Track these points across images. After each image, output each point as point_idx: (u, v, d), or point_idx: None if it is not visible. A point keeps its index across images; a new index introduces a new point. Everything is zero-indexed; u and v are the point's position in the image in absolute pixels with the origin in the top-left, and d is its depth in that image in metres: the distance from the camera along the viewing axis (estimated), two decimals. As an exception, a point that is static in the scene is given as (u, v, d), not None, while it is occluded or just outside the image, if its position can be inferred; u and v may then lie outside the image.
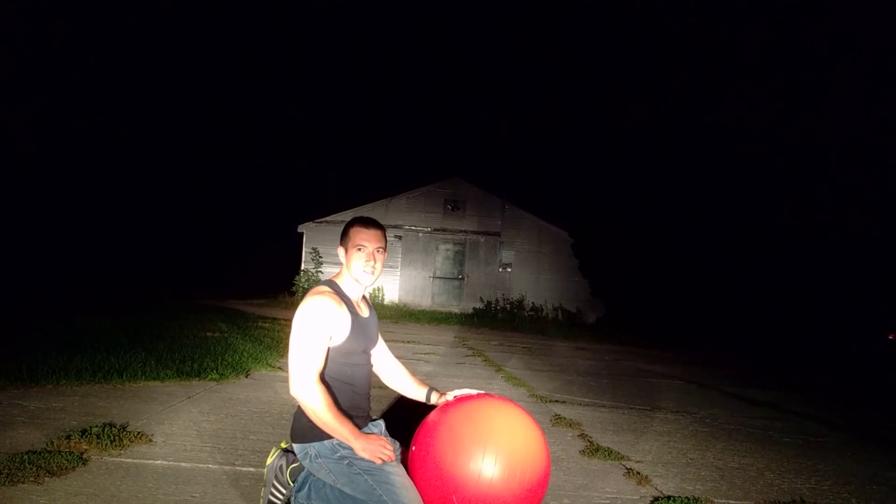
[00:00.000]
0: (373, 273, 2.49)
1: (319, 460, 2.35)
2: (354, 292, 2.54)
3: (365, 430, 2.42)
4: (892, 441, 5.63)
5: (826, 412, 6.82)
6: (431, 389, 2.69)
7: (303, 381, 2.29)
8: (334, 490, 2.36)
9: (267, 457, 2.60)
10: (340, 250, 2.54)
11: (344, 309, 2.42)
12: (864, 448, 5.13)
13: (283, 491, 2.45)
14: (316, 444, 2.35)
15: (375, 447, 2.30)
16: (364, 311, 2.58)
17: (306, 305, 2.39)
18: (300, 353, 2.32)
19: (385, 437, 2.48)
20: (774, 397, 7.57)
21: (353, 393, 2.45)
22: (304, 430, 2.38)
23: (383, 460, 2.29)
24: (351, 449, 2.32)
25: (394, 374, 2.76)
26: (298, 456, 2.42)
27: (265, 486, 2.49)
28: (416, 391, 2.72)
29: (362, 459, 2.30)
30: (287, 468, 2.47)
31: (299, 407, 2.40)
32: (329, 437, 2.34)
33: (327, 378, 2.39)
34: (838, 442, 5.27)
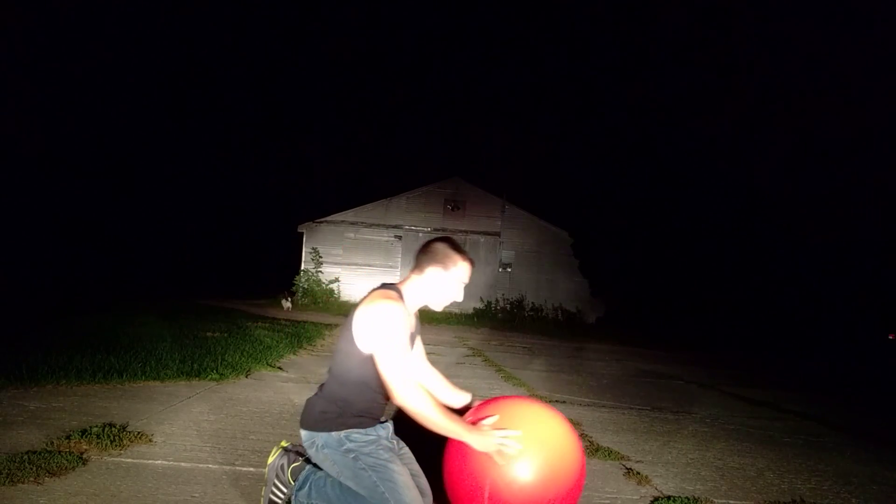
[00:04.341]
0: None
1: (326, 451, 2.33)
2: (414, 305, 2.48)
3: (371, 430, 2.39)
4: (892, 441, 5.63)
5: (826, 412, 6.82)
6: (475, 398, 2.64)
7: (408, 387, 2.23)
8: (335, 488, 2.36)
9: (267, 457, 2.59)
10: (437, 268, 2.41)
11: (408, 320, 2.39)
12: (864, 448, 5.13)
13: (284, 490, 2.44)
14: (323, 435, 2.33)
15: (494, 440, 2.20)
16: (414, 323, 2.56)
17: (389, 310, 2.29)
18: (399, 360, 2.25)
19: (394, 439, 2.48)
20: (774, 397, 7.57)
21: (374, 397, 2.40)
22: (316, 419, 2.36)
23: (503, 453, 2.19)
24: (358, 444, 2.30)
25: (431, 381, 2.70)
26: (304, 444, 2.40)
27: (266, 485, 2.48)
28: (455, 398, 2.65)
29: (368, 455, 2.29)
30: (288, 467, 2.46)
31: (315, 395, 2.40)
32: (338, 429, 2.32)
33: (358, 380, 2.35)
34: (838, 442, 5.26)
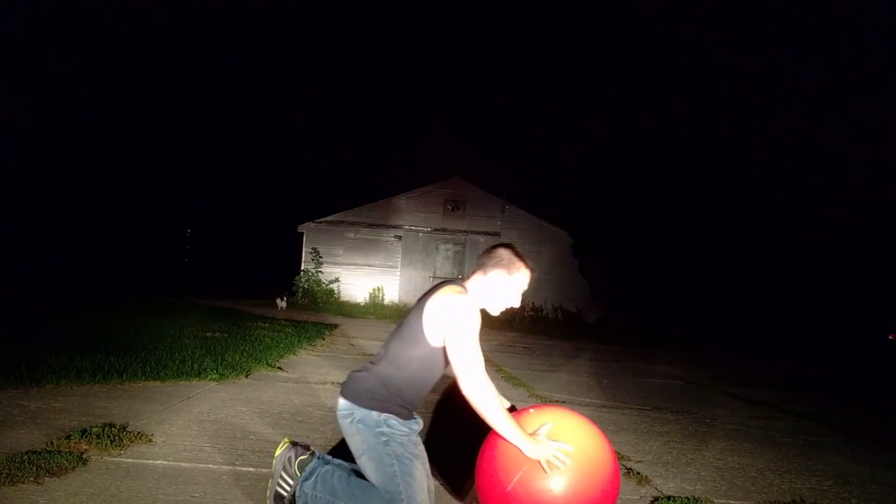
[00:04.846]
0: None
1: (360, 426, 2.35)
2: (476, 304, 2.48)
3: (407, 422, 2.40)
4: (892, 441, 5.63)
5: (826, 412, 6.82)
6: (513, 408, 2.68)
7: (479, 381, 2.26)
8: (341, 481, 2.38)
9: (273, 451, 2.60)
10: (501, 272, 2.45)
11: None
12: (864, 448, 5.13)
13: (291, 482, 2.46)
14: (364, 411, 2.35)
15: (547, 450, 2.22)
16: None
17: (465, 303, 2.34)
18: (473, 353, 2.29)
19: (419, 436, 2.48)
20: (774, 397, 7.57)
21: (422, 390, 2.44)
22: (362, 394, 2.37)
23: (556, 466, 2.20)
24: (393, 430, 2.32)
25: None
26: (340, 412, 2.41)
27: (272, 477, 2.50)
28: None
29: (400, 445, 2.31)
30: (295, 460, 2.48)
31: (364, 371, 2.43)
32: (380, 410, 2.34)
33: (416, 370, 2.38)
34: (838, 442, 5.27)
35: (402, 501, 2.24)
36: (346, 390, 2.44)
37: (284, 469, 2.47)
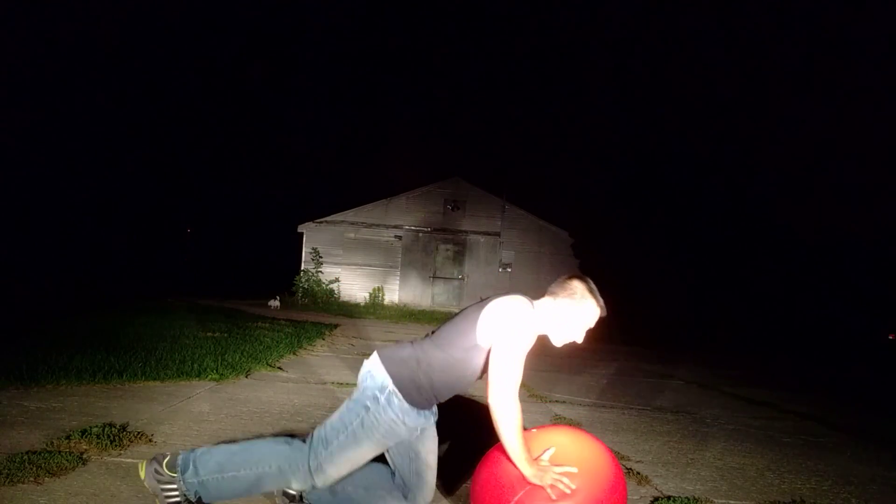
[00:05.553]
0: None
1: (368, 381, 2.36)
2: (539, 326, 2.45)
3: (412, 412, 2.35)
4: (892, 441, 5.63)
5: (826, 412, 6.82)
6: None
7: (509, 392, 2.23)
8: (224, 453, 2.35)
9: (140, 472, 2.45)
10: (571, 301, 2.43)
11: (535, 335, 2.41)
12: (864, 448, 5.13)
13: (172, 485, 2.35)
14: (384, 374, 2.34)
15: (551, 476, 2.18)
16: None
17: (527, 315, 2.32)
18: (514, 362, 2.26)
19: (418, 430, 2.43)
20: (774, 397, 7.57)
21: (447, 381, 2.39)
22: (393, 359, 2.37)
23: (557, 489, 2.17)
24: (387, 406, 2.29)
25: None
26: (367, 362, 2.43)
27: (156, 497, 2.37)
28: None
29: (376, 419, 2.28)
30: (162, 464, 2.38)
31: (410, 343, 2.43)
32: (395, 382, 2.31)
33: (455, 359, 2.35)
34: (838, 442, 5.26)
35: (324, 454, 2.26)
36: (383, 348, 2.45)
37: (158, 480, 2.35)
